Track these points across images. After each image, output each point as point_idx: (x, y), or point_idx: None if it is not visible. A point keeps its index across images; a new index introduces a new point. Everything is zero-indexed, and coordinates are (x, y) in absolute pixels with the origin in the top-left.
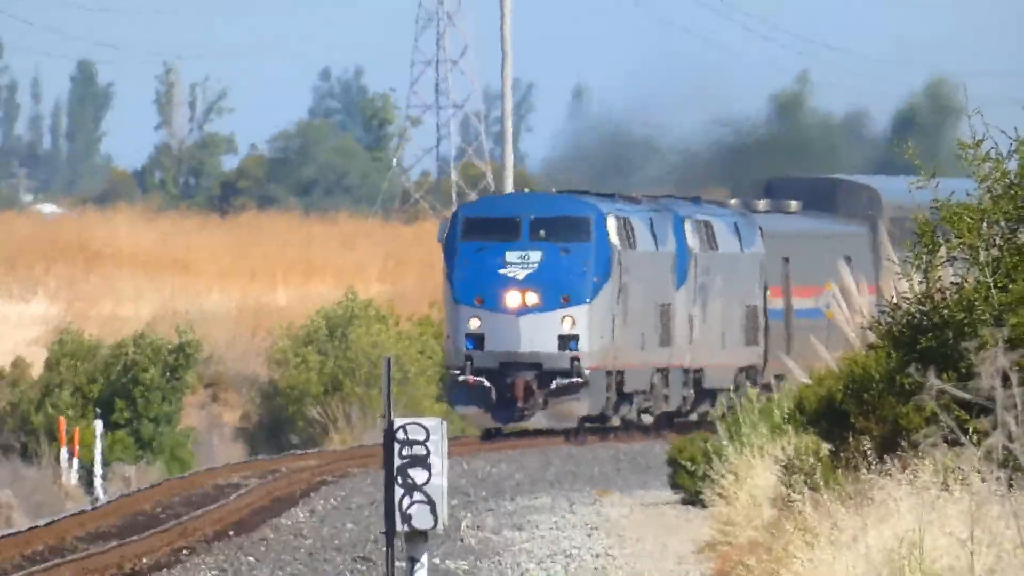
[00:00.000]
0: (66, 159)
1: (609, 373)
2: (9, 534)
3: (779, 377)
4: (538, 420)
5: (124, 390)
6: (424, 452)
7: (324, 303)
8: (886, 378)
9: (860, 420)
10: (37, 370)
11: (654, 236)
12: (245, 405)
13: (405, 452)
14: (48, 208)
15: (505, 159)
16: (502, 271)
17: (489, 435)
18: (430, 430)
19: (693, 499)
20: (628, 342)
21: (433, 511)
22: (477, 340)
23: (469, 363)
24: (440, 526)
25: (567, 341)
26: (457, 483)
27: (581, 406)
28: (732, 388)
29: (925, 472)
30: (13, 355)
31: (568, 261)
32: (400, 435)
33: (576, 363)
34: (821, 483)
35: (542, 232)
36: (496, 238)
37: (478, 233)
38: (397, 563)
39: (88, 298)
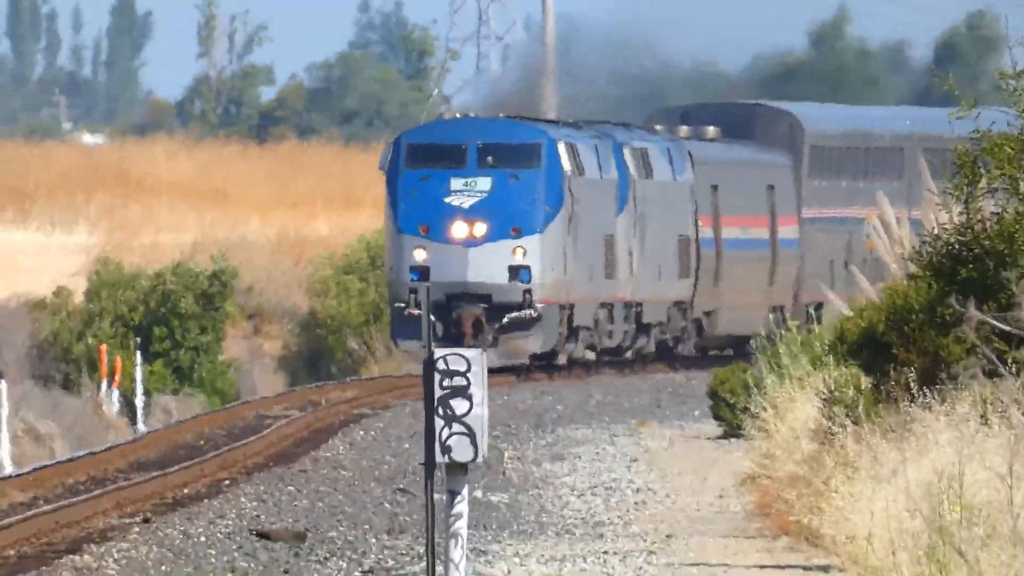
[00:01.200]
0: (106, 89)
1: (562, 307)
2: (51, 464)
3: (707, 313)
4: (487, 358)
5: (163, 319)
6: (465, 383)
7: (365, 233)
8: (926, 309)
9: (901, 351)
10: (78, 300)
11: (599, 163)
12: (285, 336)
13: (445, 383)
14: (89, 138)
15: (545, 90)
16: (448, 199)
17: None
18: (471, 361)
19: (734, 432)
20: (578, 275)
21: (473, 443)
22: (422, 272)
23: (413, 296)
24: (480, 458)
25: (517, 272)
26: (497, 415)
27: (534, 342)
28: (665, 321)
29: (964, 404)
30: (55, 285)
31: (518, 189)
32: (440, 365)
33: (528, 296)
34: (862, 416)
35: (490, 159)
36: (441, 165)
37: (422, 160)
38: (436, 495)
39: (128, 228)
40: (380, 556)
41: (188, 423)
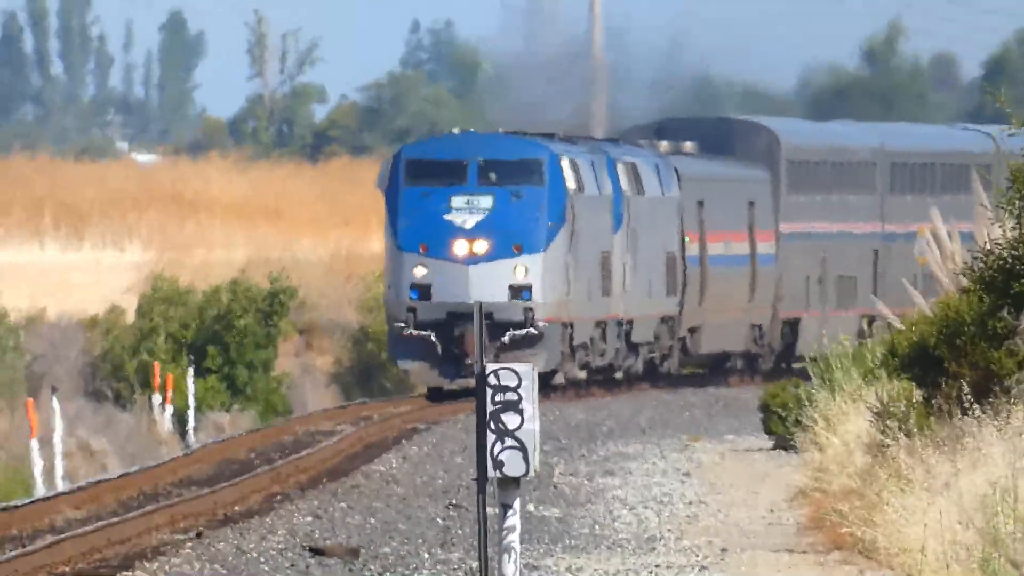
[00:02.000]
0: (159, 108)
1: (564, 326)
2: (104, 480)
3: (692, 331)
4: None
5: (217, 336)
6: (516, 398)
7: None
8: (978, 322)
9: (953, 365)
10: (130, 318)
11: (596, 179)
12: (337, 351)
13: (497, 398)
14: (143, 157)
15: (596, 107)
16: (448, 217)
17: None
18: (522, 376)
19: (786, 445)
20: (578, 293)
21: (525, 457)
22: (422, 290)
23: (412, 315)
24: (532, 472)
25: (519, 291)
26: (549, 430)
27: (536, 361)
28: (653, 339)
29: (1017, 418)
30: (107, 303)
31: (520, 207)
32: (492, 380)
33: (530, 314)
34: (915, 429)
35: (492, 176)
36: (442, 182)
37: (422, 176)
38: (489, 510)
39: (181, 246)
40: (433, 571)
41: (240, 439)
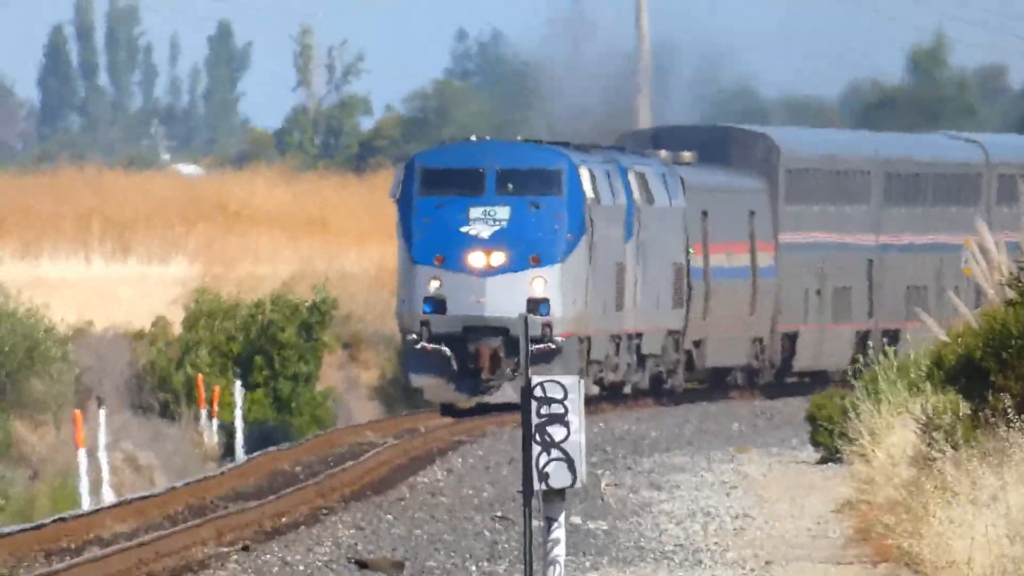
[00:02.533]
0: (204, 119)
1: (581, 340)
2: (150, 495)
3: (696, 344)
4: (505, 393)
5: (262, 349)
6: (562, 410)
7: None
8: None
9: (999, 378)
10: (176, 331)
11: (611, 188)
12: (382, 364)
13: (543, 410)
14: (188, 168)
15: (639, 115)
16: (465, 229)
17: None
18: (568, 388)
19: (832, 457)
20: (596, 306)
21: (571, 469)
22: (437, 303)
23: (426, 328)
24: (578, 484)
25: (537, 305)
26: (595, 441)
27: None
28: (659, 353)
29: None
30: (153, 316)
31: (538, 217)
32: (538, 393)
33: (547, 329)
34: (961, 441)
35: (509, 186)
36: (458, 192)
37: (437, 186)
38: (535, 522)
39: (227, 259)
40: None
41: (286, 451)
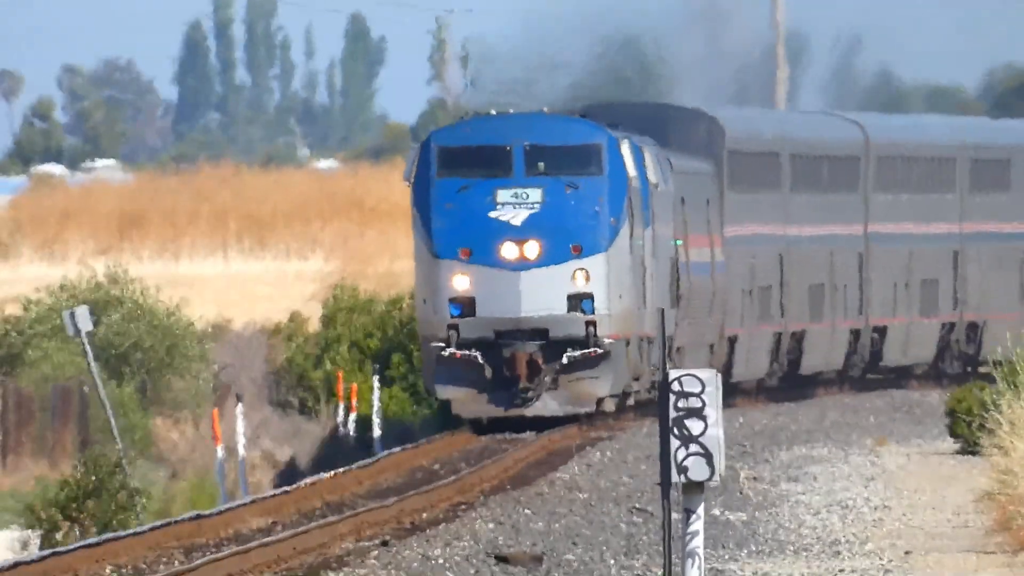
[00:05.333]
0: (341, 114)
1: (628, 343)
2: (288, 491)
3: (679, 349)
4: (546, 405)
5: (401, 345)
6: (700, 404)
7: None
8: None
9: None
10: (314, 326)
11: (637, 167)
12: None
13: (681, 404)
14: (325, 163)
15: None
16: (493, 214)
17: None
18: (705, 382)
19: (971, 449)
20: (637, 302)
21: (709, 462)
22: (465, 304)
23: (454, 333)
24: (716, 477)
25: (579, 301)
26: (733, 435)
27: (602, 384)
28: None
29: None
30: (289, 311)
31: (576, 200)
32: (675, 387)
33: (591, 329)
34: None
35: (541, 164)
36: (482, 173)
37: (458, 167)
38: (674, 515)
39: (364, 255)
40: None
41: (424, 447)
